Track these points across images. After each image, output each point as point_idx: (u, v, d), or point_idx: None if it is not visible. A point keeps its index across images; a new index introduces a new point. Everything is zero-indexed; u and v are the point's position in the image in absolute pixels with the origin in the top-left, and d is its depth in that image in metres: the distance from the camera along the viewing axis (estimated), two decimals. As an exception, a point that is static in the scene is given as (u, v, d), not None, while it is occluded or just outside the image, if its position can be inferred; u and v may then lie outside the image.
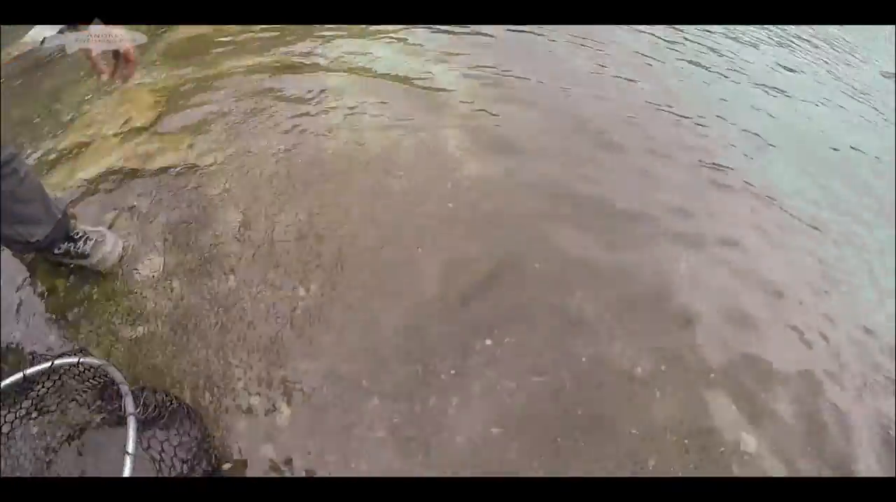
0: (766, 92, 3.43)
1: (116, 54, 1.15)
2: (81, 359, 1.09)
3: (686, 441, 1.44)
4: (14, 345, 1.42)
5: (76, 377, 1.18)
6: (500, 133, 2.26)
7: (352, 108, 2.25)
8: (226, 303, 1.52)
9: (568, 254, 1.81)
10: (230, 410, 1.33)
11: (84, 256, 1.51)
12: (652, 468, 1.38)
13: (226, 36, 2.72)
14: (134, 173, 1.85)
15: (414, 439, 1.33)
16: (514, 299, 1.65)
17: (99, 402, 1.19)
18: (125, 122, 2.07)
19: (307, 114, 2.18)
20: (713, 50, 3.72)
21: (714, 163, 2.47)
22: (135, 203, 1.75)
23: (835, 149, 3.05)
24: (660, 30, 3.66)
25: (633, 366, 1.55)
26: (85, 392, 1.21)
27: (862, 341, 1.92)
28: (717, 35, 3.95)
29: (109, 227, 1.65)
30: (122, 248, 1.61)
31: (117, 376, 1.08)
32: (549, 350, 1.54)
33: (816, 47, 4.48)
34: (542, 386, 1.47)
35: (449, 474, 1.29)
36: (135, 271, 1.57)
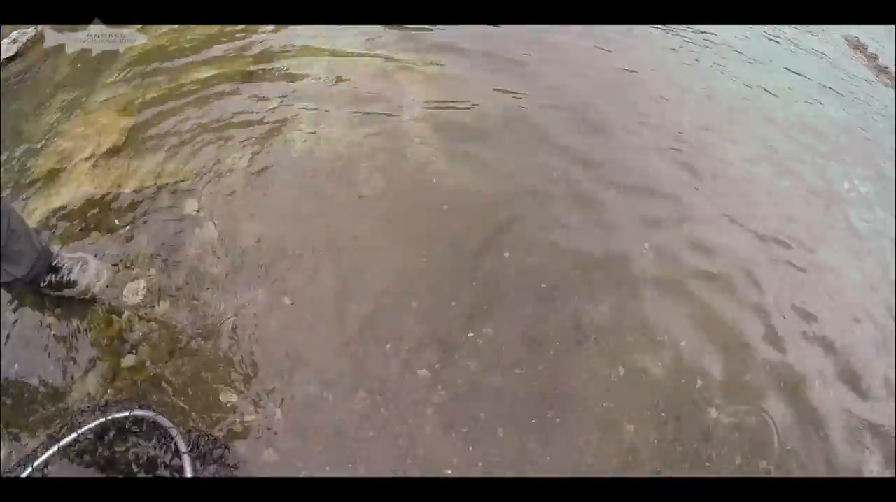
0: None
1: None
2: (133, 412, 1.27)
3: (663, 414, 1.50)
4: (15, 380, 1.44)
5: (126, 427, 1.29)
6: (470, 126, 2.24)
7: (320, 114, 2.22)
8: (211, 320, 1.54)
9: (538, 241, 1.84)
10: (228, 422, 1.35)
11: (70, 285, 1.49)
12: (628, 440, 1.44)
13: (185, 44, 2.64)
14: (109, 197, 1.85)
15: (401, 435, 1.37)
16: (487, 287, 1.69)
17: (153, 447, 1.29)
18: (96, 146, 2.06)
19: (275, 123, 2.15)
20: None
21: (674, 148, 2.40)
22: (112, 227, 1.75)
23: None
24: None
25: (604, 343, 1.61)
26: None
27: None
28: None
29: (95, 256, 1.63)
30: (106, 272, 1.59)
31: (166, 423, 1.25)
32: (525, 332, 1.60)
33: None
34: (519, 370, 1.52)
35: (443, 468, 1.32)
36: (120, 296, 1.57)
